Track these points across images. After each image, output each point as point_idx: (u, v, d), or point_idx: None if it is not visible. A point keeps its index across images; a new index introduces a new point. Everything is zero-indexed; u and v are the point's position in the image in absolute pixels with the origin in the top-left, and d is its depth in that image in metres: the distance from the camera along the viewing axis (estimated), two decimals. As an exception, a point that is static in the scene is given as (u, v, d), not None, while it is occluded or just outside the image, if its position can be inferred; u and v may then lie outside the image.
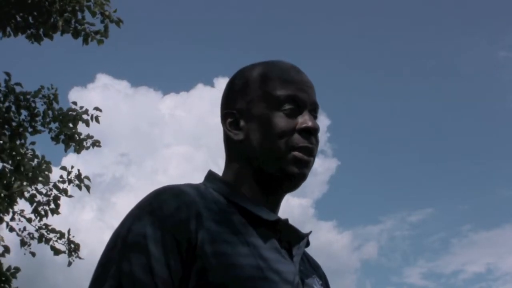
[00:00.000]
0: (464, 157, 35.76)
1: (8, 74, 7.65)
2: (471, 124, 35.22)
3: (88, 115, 7.92)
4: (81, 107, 7.97)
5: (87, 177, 7.92)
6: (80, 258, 8.14)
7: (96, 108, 7.99)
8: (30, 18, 7.21)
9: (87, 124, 7.91)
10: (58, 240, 8.06)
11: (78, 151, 7.97)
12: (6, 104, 7.56)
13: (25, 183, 7.48)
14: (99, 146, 8.00)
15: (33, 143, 7.80)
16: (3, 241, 7.46)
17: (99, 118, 7.91)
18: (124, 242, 1.13)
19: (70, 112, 7.87)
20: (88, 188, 7.92)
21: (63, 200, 8.02)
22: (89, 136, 7.98)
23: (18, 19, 7.20)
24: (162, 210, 1.14)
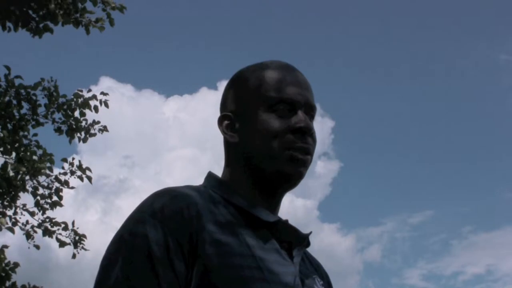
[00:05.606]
0: (464, 159, 35.90)
1: (8, 67, 7.53)
2: (472, 127, 35.42)
3: (97, 100, 7.78)
4: (89, 90, 7.89)
5: (88, 168, 7.82)
6: (85, 249, 8.06)
7: (103, 93, 7.84)
8: (30, 12, 7.06)
9: (96, 110, 7.77)
10: (63, 232, 7.98)
11: (84, 140, 7.86)
12: (7, 98, 7.45)
13: (27, 177, 7.38)
14: (107, 131, 7.86)
15: (35, 134, 7.72)
16: (5, 223, 7.33)
17: (108, 103, 7.74)
18: (127, 245, 1.11)
19: (76, 98, 7.73)
20: (90, 179, 7.82)
21: (66, 202, 7.92)
22: (95, 122, 7.85)
23: (17, 12, 7.05)
24: (163, 212, 1.13)
